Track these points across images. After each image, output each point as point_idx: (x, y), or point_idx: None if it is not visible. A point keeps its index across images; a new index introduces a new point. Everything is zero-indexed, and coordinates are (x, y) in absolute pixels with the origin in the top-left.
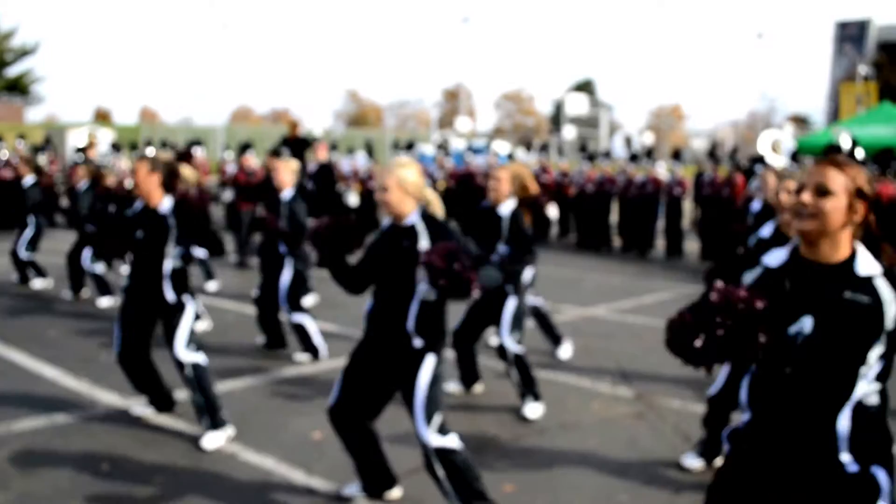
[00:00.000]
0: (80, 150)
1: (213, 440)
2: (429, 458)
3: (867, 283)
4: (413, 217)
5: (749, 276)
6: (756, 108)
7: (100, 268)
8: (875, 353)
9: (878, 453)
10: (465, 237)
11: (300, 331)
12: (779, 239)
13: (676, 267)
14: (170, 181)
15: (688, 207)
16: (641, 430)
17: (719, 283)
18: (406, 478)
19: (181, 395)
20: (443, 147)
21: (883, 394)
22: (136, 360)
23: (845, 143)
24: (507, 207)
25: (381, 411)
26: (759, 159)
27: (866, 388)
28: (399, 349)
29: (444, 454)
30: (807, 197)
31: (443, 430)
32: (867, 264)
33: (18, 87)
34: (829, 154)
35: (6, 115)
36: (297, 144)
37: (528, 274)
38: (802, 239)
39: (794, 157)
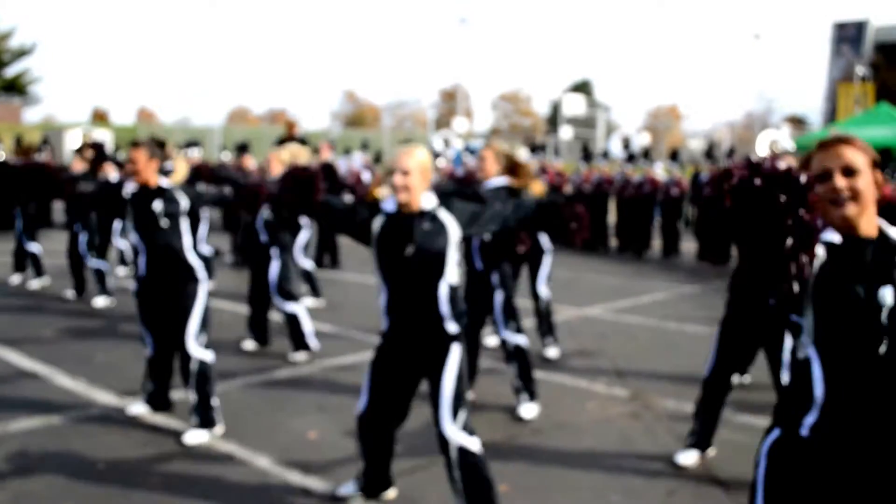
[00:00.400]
0: (76, 151)
1: (197, 436)
2: (448, 455)
3: None
4: (429, 200)
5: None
6: (753, 109)
7: (102, 264)
8: None
9: None
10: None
11: (292, 322)
12: None
13: (673, 267)
14: (164, 167)
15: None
16: (636, 430)
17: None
18: (404, 477)
19: (177, 395)
20: (446, 147)
21: None
22: (166, 362)
23: None
24: (493, 183)
25: (408, 414)
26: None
27: None
28: (431, 336)
29: (465, 455)
30: (840, 181)
31: (468, 429)
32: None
33: (16, 88)
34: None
35: (4, 115)
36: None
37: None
38: (840, 228)
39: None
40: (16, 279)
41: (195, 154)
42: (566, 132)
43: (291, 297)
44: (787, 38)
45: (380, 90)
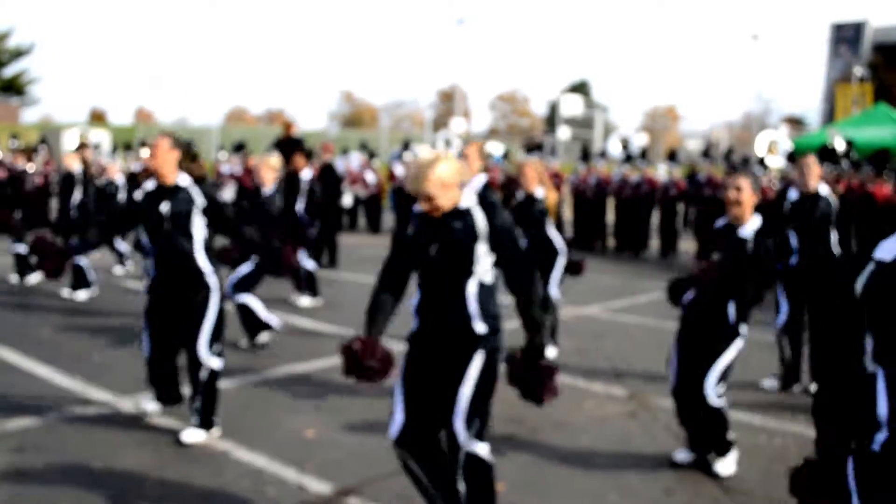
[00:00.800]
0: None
1: (194, 435)
2: (455, 458)
3: None
4: (467, 199)
5: (862, 278)
6: (751, 110)
7: (84, 260)
8: None
9: None
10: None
11: (244, 311)
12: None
13: (670, 267)
14: (187, 162)
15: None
16: (634, 430)
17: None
18: (402, 476)
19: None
20: (448, 147)
21: None
22: (165, 364)
23: (839, 144)
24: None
25: (446, 417)
26: (747, 160)
27: None
28: (458, 336)
29: (473, 462)
30: None
31: (479, 436)
32: None
33: (14, 88)
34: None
35: (2, 115)
36: (291, 145)
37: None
38: None
39: (791, 157)
40: (14, 279)
41: None
42: (564, 132)
43: (244, 290)
44: (786, 38)
45: (377, 90)
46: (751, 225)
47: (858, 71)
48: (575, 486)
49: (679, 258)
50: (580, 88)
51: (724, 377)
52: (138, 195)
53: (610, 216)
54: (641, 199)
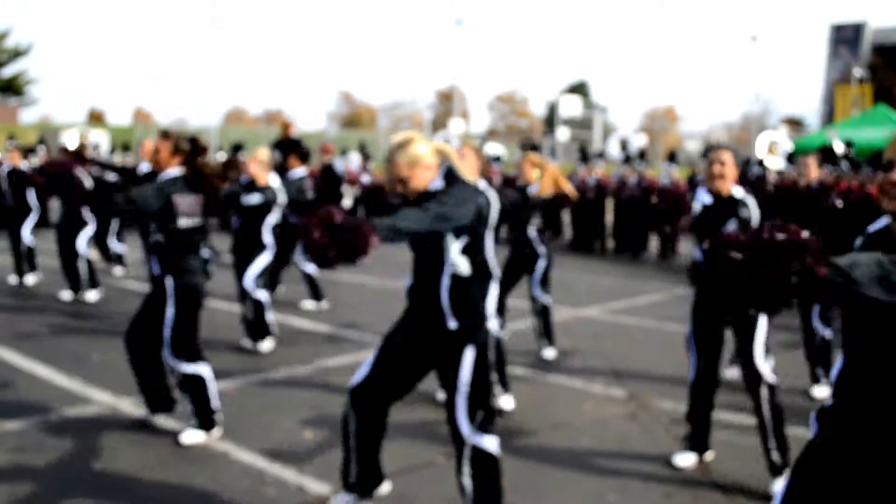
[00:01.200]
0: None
1: (193, 437)
2: (461, 453)
3: None
4: (437, 182)
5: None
6: (750, 110)
7: (93, 255)
8: None
9: None
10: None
11: (257, 308)
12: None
13: (669, 268)
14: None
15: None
16: (633, 431)
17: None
18: (399, 477)
19: (176, 393)
20: None
21: None
22: (150, 368)
23: (838, 146)
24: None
25: (406, 393)
26: (747, 160)
27: None
28: (434, 329)
29: (479, 456)
30: None
31: (485, 429)
32: None
33: (12, 89)
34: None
35: (0, 116)
36: (289, 145)
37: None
38: (893, 219)
39: (791, 158)
40: (31, 279)
41: None
42: (563, 133)
43: (264, 285)
44: (785, 39)
45: (376, 91)
46: (735, 195)
47: (858, 72)
48: (574, 487)
49: (679, 259)
50: (579, 89)
51: (767, 350)
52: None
53: (609, 217)
54: (641, 200)
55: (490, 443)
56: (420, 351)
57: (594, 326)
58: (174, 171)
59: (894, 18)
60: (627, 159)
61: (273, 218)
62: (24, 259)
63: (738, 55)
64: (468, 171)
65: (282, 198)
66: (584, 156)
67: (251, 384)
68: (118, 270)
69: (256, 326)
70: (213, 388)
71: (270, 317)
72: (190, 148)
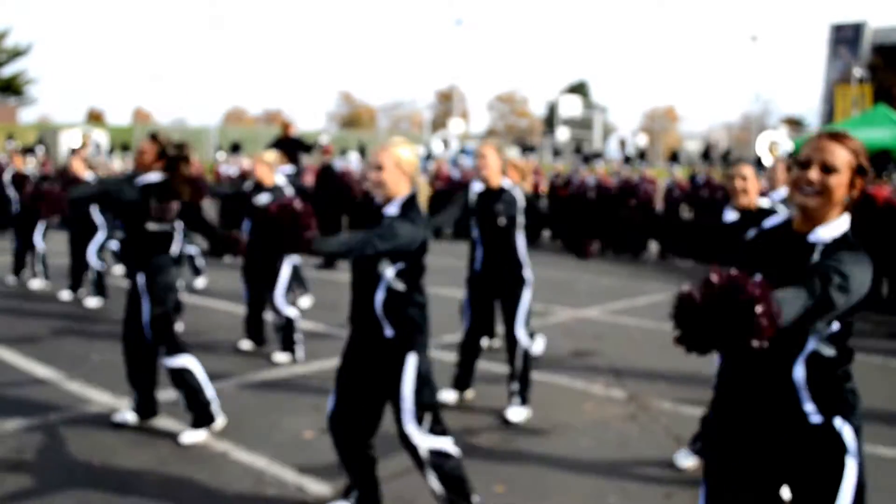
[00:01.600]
0: (74, 150)
1: (192, 436)
2: (419, 459)
3: (827, 248)
4: (393, 209)
5: (749, 234)
6: (750, 111)
7: (101, 265)
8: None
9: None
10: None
11: (288, 326)
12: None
13: (669, 269)
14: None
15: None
16: (633, 432)
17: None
18: (396, 479)
19: (172, 394)
20: (446, 149)
21: (845, 349)
22: (137, 363)
23: None
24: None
25: (378, 419)
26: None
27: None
28: (374, 340)
29: (438, 458)
30: (814, 174)
31: (436, 431)
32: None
33: (11, 88)
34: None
35: None
36: (289, 145)
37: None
38: (800, 212)
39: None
40: (11, 279)
41: None
42: (563, 133)
43: (291, 302)
44: (785, 39)
45: (376, 91)
46: (763, 206)
47: (858, 72)
48: (574, 488)
49: (679, 261)
50: (579, 89)
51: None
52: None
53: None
54: (640, 200)
55: (445, 443)
56: (366, 367)
57: (594, 327)
58: (153, 175)
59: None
60: (628, 159)
61: None
62: (34, 262)
63: (738, 55)
64: (491, 172)
65: (289, 192)
66: (585, 157)
67: (251, 384)
68: (119, 270)
69: (285, 340)
70: (202, 377)
71: (299, 335)
72: (175, 154)
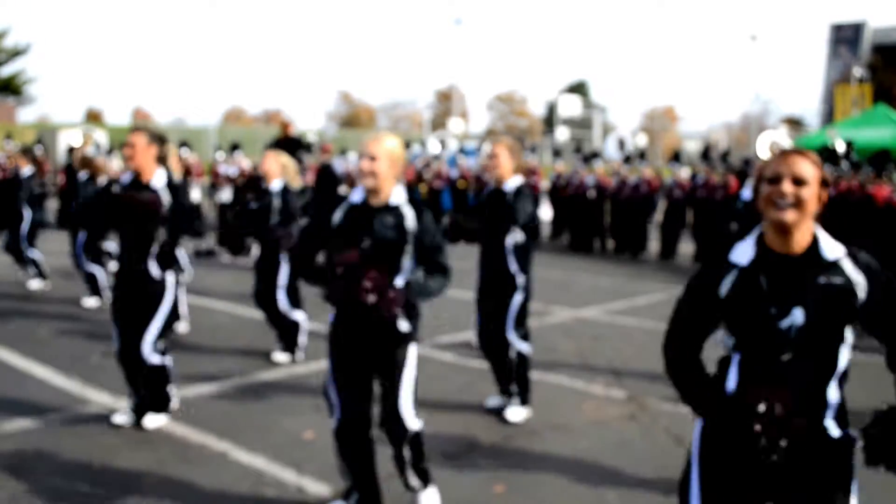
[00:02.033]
0: (73, 149)
1: (155, 421)
2: (400, 441)
3: (836, 266)
4: (398, 196)
5: (726, 283)
6: (749, 111)
7: (95, 267)
8: (850, 328)
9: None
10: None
11: (293, 328)
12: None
13: (669, 268)
14: (164, 156)
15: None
16: (633, 432)
17: None
18: (395, 478)
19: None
20: (443, 148)
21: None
22: (133, 358)
23: (839, 146)
24: (513, 184)
25: (368, 404)
26: (748, 161)
27: (847, 359)
28: (384, 334)
29: (416, 439)
30: (788, 187)
31: (418, 414)
32: (831, 248)
33: (10, 88)
34: (798, 151)
35: None
36: (289, 145)
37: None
38: (776, 229)
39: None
40: (35, 285)
41: (186, 154)
42: (562, 133)
43: (297, 304)
44: (785, 39)
45: (375, 91)
46: None
47: (857, 72)
48: (574, 488)
49: (679, 260)
50: (578, 89)
51: None
52: (116, 190)
53: (608, 217)
54: (640, 200)
55: (420, 424)
56: (369, 364)
57: (594, 327)
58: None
59: (894, 18)
60: (627, 159)
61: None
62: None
63: (737, 55)
64: (503, 171)
65: (277, 203)
66: (585, 157)
67: (250, 385)
68: (112, 266)
69: (288, 341)
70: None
71: (304, 338)
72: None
